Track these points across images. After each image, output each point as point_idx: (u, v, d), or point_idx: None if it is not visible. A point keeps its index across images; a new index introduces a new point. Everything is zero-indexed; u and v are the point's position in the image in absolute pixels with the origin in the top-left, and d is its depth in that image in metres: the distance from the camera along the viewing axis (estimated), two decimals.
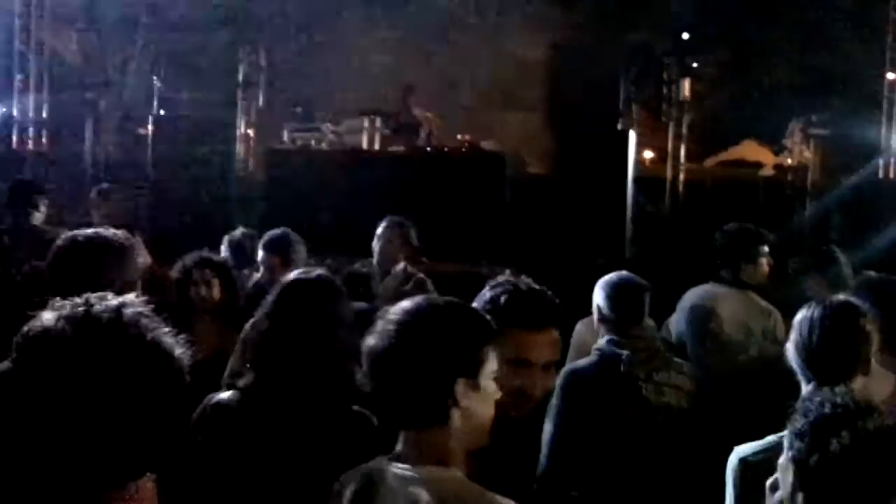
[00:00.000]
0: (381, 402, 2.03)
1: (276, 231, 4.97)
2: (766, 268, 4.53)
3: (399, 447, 1.93)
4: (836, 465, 1.70)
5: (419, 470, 1.85)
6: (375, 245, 5.71)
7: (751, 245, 4.53)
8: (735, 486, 2.41)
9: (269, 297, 2.75)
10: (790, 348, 2.57)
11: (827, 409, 1.77)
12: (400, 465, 1.88)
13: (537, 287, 2.40)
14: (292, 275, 2.83)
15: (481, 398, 1.89)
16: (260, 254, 4.94)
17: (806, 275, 4.65)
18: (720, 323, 4.38)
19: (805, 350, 2.51)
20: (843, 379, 2.36)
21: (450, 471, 1.86)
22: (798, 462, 1.77)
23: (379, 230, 5.72)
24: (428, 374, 1.86)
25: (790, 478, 1.80)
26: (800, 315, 2.58)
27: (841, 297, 2.76)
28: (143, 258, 6.18)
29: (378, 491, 1.88)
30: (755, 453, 2.37)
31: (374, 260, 5.73)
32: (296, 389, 2.52)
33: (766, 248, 4.54)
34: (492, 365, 1.91)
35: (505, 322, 2.13)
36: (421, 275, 5.74)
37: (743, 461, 2.39)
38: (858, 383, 2.44)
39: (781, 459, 1.84)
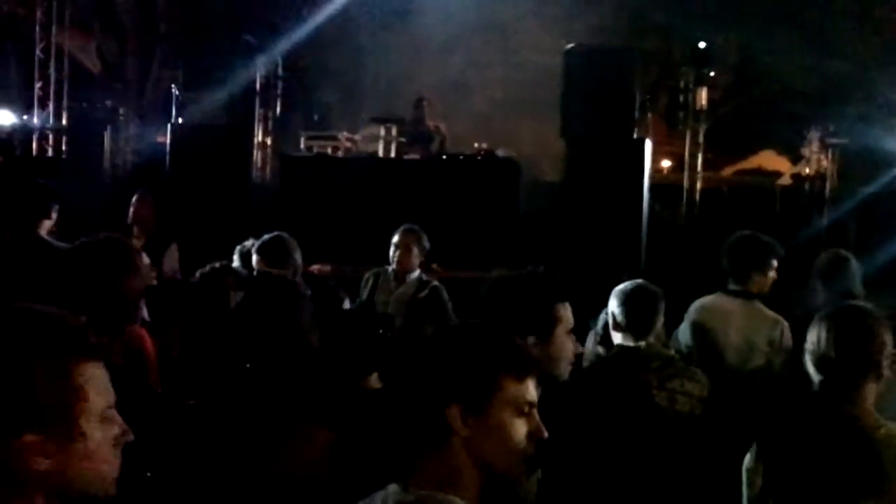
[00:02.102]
0: (386, 424, 1.96)
1: (270, 235, 4.67)
2: (772, 279, 4.50)
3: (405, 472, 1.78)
4: (804, 468, 1.70)
5: (414, 493, 1.70)
6: (392, 253, 5.72)
7: (763, 256, 4.49)
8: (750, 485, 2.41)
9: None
10: (805, 352, 2.56)
11: (797, 414, 1.76)
12: (396, 487, 1.74)
13: None
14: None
15: (487, 427, 1.72)
16: (253, 258, 4.65)
17: (817, 281, 4.64)
18: (726, 333, 4.36)
19: (814, 353, 2.51)
20: (849, 383, 2.35)
21: (446, 497, 1.68)
22: (766, 463, 1.77)
23: (395, 238, 5.73)
24: (413, 397, 1.76)
25: (758, 479, 1.80)
26: (814, 319, 2.58)
27: (855, 301, 2.74)
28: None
29: None
30: None
31: (390, 267, 5.74)
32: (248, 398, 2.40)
33: (776, 261, 4.50)
34: (511, 393, 1.74)
35: None
36: (436, 282, 5.75)
37: None
38: (868, 390, 2.41)
39: (747, 461, 1.84)
